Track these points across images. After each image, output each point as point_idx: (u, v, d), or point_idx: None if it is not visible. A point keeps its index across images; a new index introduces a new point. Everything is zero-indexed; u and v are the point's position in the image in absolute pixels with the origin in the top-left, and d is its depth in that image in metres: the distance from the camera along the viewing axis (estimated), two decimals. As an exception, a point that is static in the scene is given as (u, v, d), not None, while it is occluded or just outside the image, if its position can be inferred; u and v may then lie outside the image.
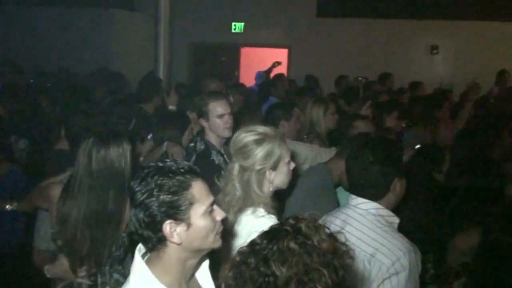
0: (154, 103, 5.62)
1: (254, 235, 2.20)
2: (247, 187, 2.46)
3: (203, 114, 3.74)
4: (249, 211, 2.45)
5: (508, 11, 10.33)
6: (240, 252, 1.47)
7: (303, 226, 1.43)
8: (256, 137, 2.49)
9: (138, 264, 1.79)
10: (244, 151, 2.48)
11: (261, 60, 10.54)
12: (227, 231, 2.27)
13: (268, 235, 1.45)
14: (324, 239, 1.41)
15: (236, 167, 2.51)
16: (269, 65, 9.30)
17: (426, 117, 5.61)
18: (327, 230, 1.46)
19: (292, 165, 2.61)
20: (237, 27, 11.96)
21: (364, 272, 2.22)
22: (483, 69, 10.11)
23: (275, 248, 1.39)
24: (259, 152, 2.45)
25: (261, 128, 2.56)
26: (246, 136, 2.51)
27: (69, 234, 2.71)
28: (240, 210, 2.46)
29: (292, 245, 1.38)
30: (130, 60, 10.06)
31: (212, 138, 3.75)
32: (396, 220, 2.39)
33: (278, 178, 2.53)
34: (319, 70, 9.73)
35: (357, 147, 2.49)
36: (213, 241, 1.83)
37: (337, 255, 1.41)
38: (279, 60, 9.55)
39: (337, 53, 10.97)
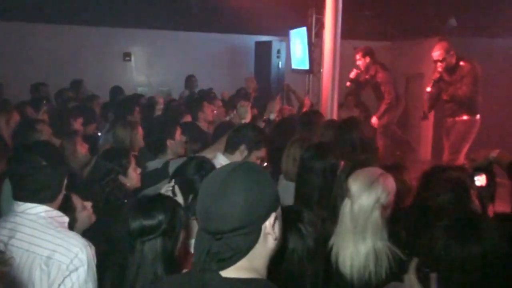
0: None
1: None
2: None
3: None
4: None
5: (194, 21, 11.30)
6: None
7: None
8: None
9: None
10: None
11: None
12: None
13: None
14: None
15: None
16: None
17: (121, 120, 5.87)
18: None
19: None
20: None
21: (42, 275, 2.24)
22: (174, 74, 11.05)
23: None
24: None
25: None
26: None
27: None
28: None
29: None
30: None
31: None
32: (66, 219, 2.46)
33: None
34: (7, 77, 9.09)
35: (21, 151, 2.47)
36: None
37: None
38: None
39: (25, 59, 10.24)
